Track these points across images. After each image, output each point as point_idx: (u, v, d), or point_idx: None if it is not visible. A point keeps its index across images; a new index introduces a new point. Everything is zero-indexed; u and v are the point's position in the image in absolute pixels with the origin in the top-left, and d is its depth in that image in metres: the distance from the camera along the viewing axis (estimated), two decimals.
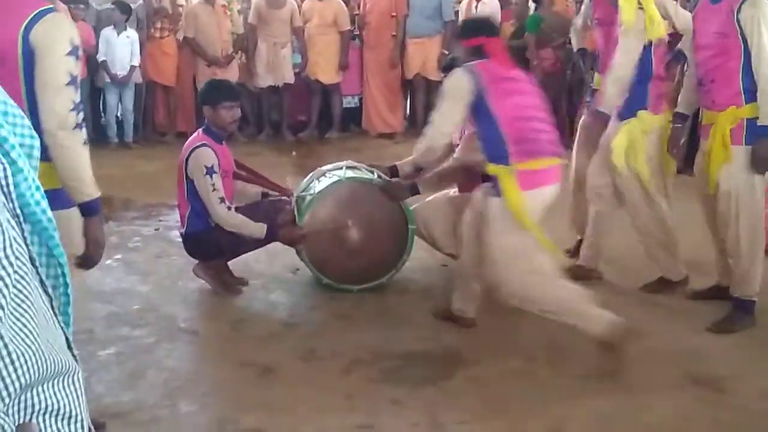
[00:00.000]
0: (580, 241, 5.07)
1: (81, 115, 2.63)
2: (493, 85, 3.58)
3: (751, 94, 3.79)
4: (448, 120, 3.70)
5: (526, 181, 3.55)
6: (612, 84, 4.24)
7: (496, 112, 3.56)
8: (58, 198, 2.60)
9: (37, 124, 2.54)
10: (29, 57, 2.53)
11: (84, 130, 2.65)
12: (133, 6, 8.58)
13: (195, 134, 4.45)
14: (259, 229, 4.26)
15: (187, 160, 4.29)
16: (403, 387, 3.44)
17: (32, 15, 2.55)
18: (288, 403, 3.30)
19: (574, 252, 5.06)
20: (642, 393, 3.38)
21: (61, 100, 2.57)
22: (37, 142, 1.01)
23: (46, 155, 2.58)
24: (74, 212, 2.68)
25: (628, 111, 4.31)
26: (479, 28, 3.89)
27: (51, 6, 2.62)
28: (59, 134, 2.57)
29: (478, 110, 3.61)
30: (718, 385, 3.45)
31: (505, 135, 3.56)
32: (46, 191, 2.63)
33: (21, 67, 2.54)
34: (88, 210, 2.66)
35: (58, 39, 2.56)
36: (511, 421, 3.17)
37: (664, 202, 4.38)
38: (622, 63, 4.19)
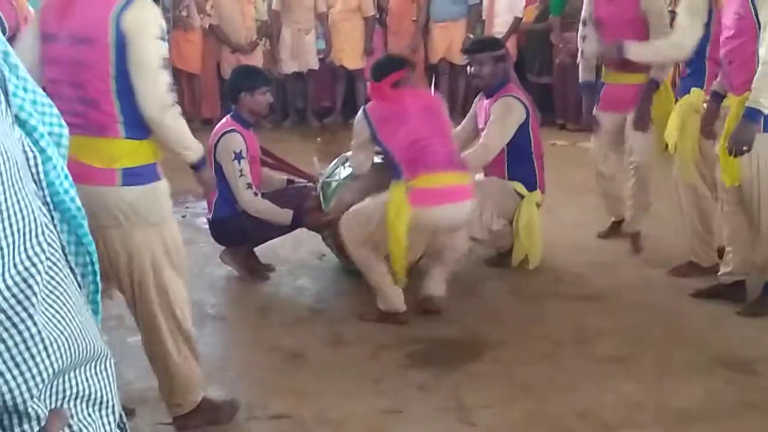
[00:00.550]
0: (613, 224, 5.08)
1: (175, 93, 2.75)
2: (382, 126, 3.96)
3: None
4: (359, 152, 4.16)
5: (418, 198, 3.78)
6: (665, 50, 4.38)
7: (389, 146, 3.93)
8: (145, 173, 2.78)
9: (127, 105, 2.64)
10: (121, 42, 2.57)
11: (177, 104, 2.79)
12: None
13: (224, 120, 4.46)
14: (285, 215, 4.28)
15: (216, 145, 4.31)
16: (429, 371, 3.45)
17: (123, 1, 2.58)
18: (315, 388, 3.32)
19: (606, 233, 5.08)
20: (670, 376, 3.37)
21: (159, 83, 2.63)
22: (65, 131, 1.01)
23: (131, 133, 2.70)
24: (160, 184, 2.83)
25: (683, 89, 4.29)
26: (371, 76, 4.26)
27: None
28: (162, 116, 2.67)
29: (378, 143, 4.01)
30: (749, 368, 3.43)
31: (399, 161, 3.88)
32: (133, 168, 2.75)
33: (112, 52, 2.58)
34: (198, 167, 2.98)
35: (148, 24, 2.60)
36: (538, 404, 3.17)
37: (706, 189, 4.29)
38: (682, 41, 4.21)
